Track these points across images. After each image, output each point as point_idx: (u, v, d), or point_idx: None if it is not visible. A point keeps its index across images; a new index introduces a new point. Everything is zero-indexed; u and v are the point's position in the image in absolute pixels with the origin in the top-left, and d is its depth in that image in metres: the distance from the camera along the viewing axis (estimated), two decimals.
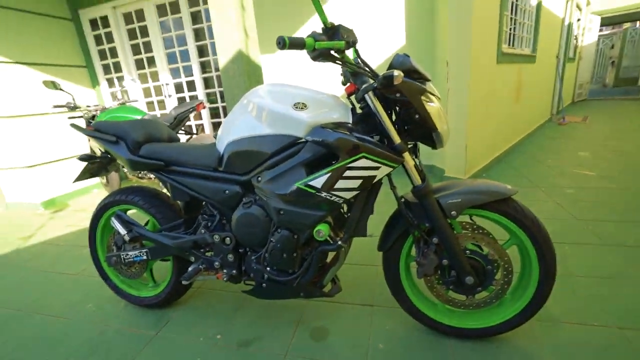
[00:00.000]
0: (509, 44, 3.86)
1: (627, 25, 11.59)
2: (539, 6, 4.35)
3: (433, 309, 1.35)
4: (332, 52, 1.02)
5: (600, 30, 12.54)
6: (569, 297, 1.48)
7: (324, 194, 1.08)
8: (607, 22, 10.68)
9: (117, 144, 1.41)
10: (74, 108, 3.20)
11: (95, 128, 1.46)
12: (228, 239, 1.32)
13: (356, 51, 1.13)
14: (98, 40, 4.22)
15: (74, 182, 1.59)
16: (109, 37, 4.14)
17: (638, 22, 11.65)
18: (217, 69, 3.90)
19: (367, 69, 1.11)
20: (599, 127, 5.23)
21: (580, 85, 8.82)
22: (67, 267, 2.23)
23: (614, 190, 2.65)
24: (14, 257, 2.48)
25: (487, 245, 1.20)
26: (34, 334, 1.58)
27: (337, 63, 1.04)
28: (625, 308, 1.39)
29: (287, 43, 0.88)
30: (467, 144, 2.92)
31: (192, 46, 3.82)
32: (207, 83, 4.02)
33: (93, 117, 3.31)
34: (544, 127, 5.69)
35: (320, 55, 0.98)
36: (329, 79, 3.71)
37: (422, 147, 3.49)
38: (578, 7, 7.17)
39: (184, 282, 1.37)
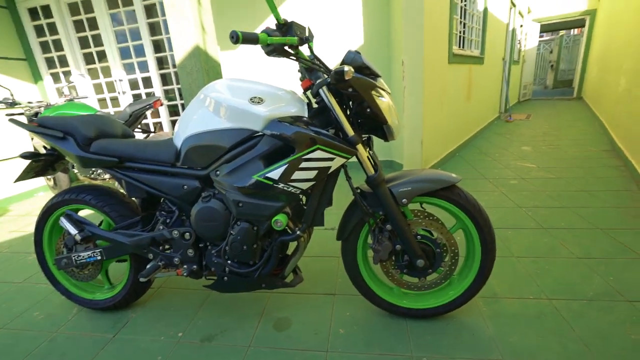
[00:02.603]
0: (460, 46, 4.12)
1: (562, 32, 12.75)
2: (485, 12, 4.68)
3: (390, 293, 1.43)
4: (287, 47, 1.06)
5: (541, 36, 13.71)
6: (509, 275, 1.64)
7: (281, 185, 1.11)
8: (545, 28, 11.69)
9: (65, 140, 1.34)
10: (12, 104, 2.95)
11: (39, 124, 1.38)
12: (188, 234, 1.31)
13: (311, 48, 1.17)
14: (39, 31, 3.90)
15: (15, 181, 1.49)
16: (52, 29, 3.85)
17: (572, 29, 12.86)
18: (175, 65, 3.77)
19: (320, 65, 1.16)
20: (540, 124, 5.74)
21: (524, 86, 9.58)
22: (10, 276, 2.06)
23: (551, 180, 2.95)
24: None
25: (436, 230, 1.30)
26: None
27: (291, 58, 1.07)
28: (555, 282, 1.57)
29: (241, 37, 0.90)
30: (422, 139, 3.09)
31: (147, 41, 3.66)
32: (165, 80, 3.87)
33: (36, 114, 3.07)
34: (493, 124, 6.13)
35: (274, 50, 1.01)
36: (288, 77, 3.74)
37: (383, 144, 3.63)
38: (520, 14, 7.79)
39: (141, 279, 1.33)
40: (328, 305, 1.54)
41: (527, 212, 2.34)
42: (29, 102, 3.06)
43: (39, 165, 1.49)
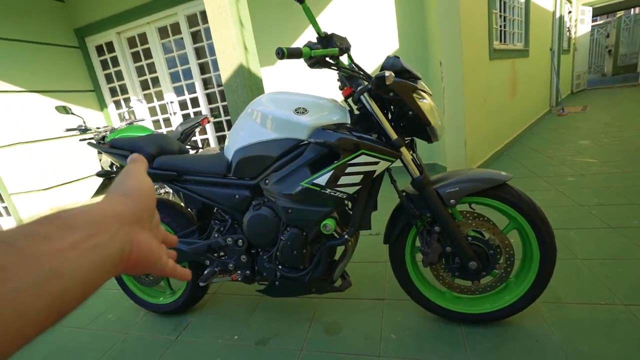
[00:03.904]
0: (501, 40, 3.92)
1: (620, 13, 11.61)
2: (527, 2, 4.43)
3: (441, 297, 1.39)
4: (327, 58, 1.09)
5: (594, 20, 12.59)
6: (574, 279, 1.51)
7: (328, 191, 1.14)
8: (599, 12, 10.72)
9: None
10: (84, 130, 3.32)
11: (110, 145, 1.55)
12: (240, 241, 1.39)
13: (350, 57, 1.20)
14: (104, 65, 4.38)
15: (92, 197, 1.68)
16: (115, 62, 4.31)
17: (632, 9, 11.68)
18: (218, 85, 4.02)
19: (361, 72, 1.18)
20: (599, 116, 5.24)
21: (577, 76, 8.82)
22: None
23: (616, 174, 2.67)
24: None
25: (487, 231, 1.24)
26: (61, 345, 1.65)
27: (332, 68, 1.11)
28: (631, 286, 1.41)
29: (286, 53, 0.95)
30: (466, 140, 2.97)
31: (194, 64, 3.95)
32: (210, 98, 4.14)
33: (103, 137, 3.43)
34: (544, 119, 5.71)
35: (317, 62, 1.06)
36: (325, 86, 3.80)
37: (425, 147, 3.54)
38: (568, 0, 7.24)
39: (200, 284, 1.43)
40: (377, 310, 1.52)
41: (591, 210, 2.14)
42: (97, 128, 3.42)
43: (111, 182, 1.66)
